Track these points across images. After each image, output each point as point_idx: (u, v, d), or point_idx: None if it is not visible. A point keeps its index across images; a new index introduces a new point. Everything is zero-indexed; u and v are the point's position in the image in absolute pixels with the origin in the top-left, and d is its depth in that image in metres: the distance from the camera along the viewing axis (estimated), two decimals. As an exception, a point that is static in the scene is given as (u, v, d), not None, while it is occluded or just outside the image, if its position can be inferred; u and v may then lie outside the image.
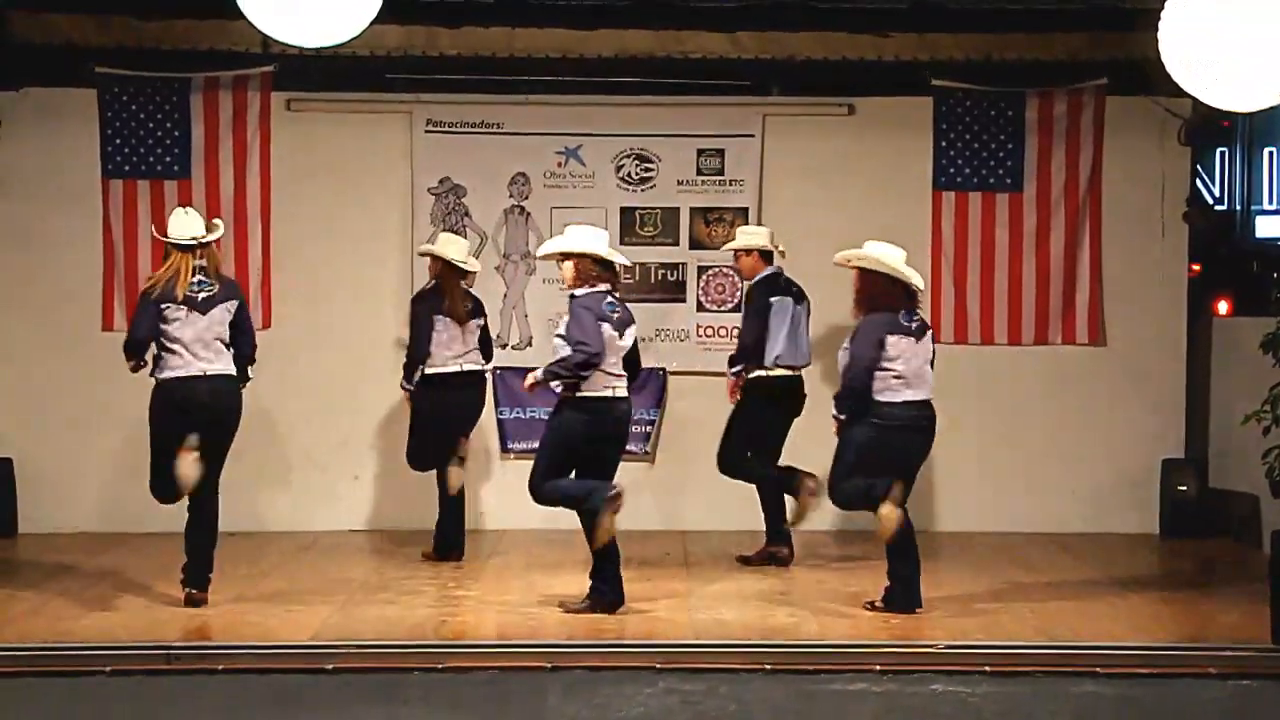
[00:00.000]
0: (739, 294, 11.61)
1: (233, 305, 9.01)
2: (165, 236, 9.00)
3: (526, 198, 11.89)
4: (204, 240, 8.95)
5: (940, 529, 11.58)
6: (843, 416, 8.86)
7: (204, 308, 8.89)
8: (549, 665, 7.56)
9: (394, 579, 9.80)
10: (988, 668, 7.58)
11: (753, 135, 11.87)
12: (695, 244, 11.90)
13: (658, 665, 7.55)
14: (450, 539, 10.41)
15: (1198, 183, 12.15)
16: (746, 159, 11.86)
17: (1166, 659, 7.73)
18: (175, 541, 10.63)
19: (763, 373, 10.33)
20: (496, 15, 11.38)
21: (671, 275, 11.93)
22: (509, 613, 8.80)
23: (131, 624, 8.46)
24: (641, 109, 11.88)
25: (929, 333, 9.02)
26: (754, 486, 10.40)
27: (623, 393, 8.89)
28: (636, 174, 11.89)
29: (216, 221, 9.22)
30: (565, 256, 8.90)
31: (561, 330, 8.80)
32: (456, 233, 11.39)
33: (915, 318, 8.94)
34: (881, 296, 8.88)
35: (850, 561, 10.43)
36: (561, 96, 11.83)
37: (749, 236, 10.64)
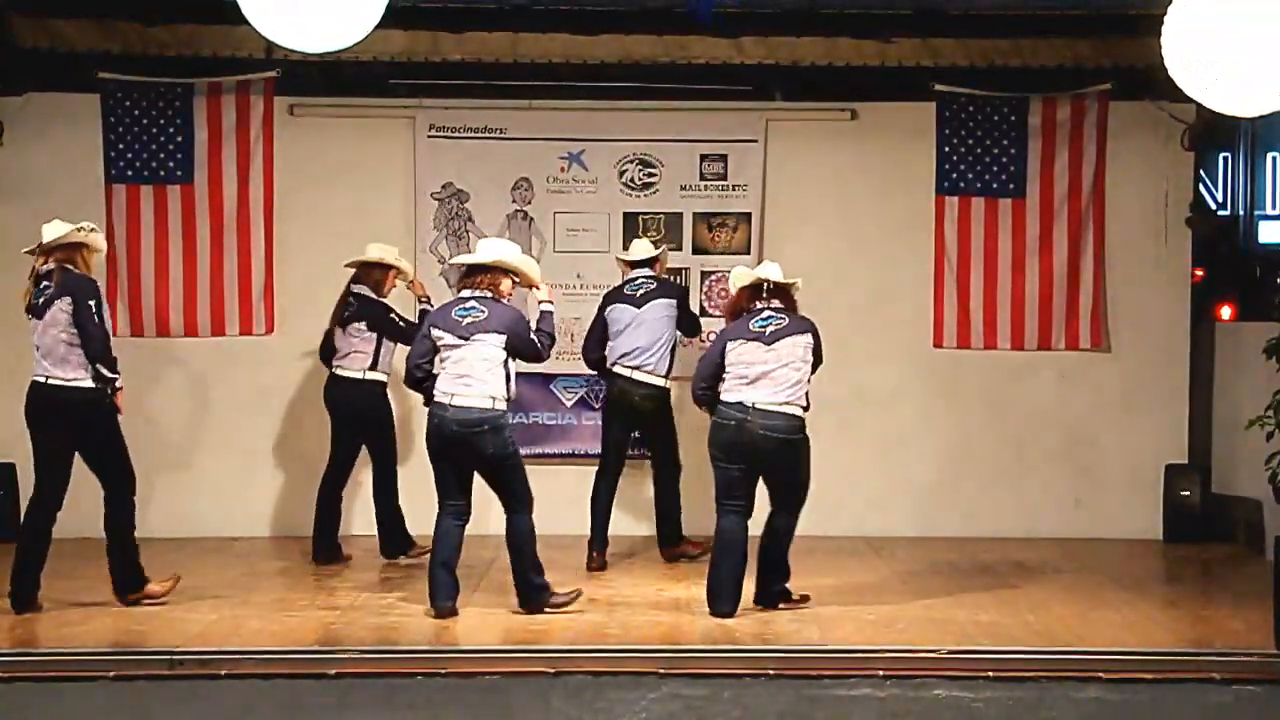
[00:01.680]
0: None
1: (66, 302, 8.45)
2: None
3: (530, 203, 11.88)
4: (52, 244, 8.60)
5: (942, 533, 11.56)
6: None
7: (40, 312, 8.58)
8: (552, 670, 7.56)
9: (397, 584, 9.80)
10: (990, 673, 7.59)
11: (756, 140, 11.86)
12: (698, 249, 11.89)
13: (660, 670, 7.55)
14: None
15: (1201, 188, 12.14)
16: (749, 164, 11.86)
17: (1169, 664, 7.73)
18: (177, 546, 10.63)
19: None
20: (500, 20, 11.40)
21: (675, 280, 11.90)
22: (511, 618, 8.79)
23: (134, 629, 8.46)
24: (645, 114, 11.88)
25: (801, 336, 8.74)
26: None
27: (464, 401, 8.65)
28: (639, 179, 11.88)
29: (82, 224, 8.74)
30: None
31: None
32: (458, 237, 11.39)
33: (774, 321, 8.77)
34: (736, 307, 8.97)
35: (852, 565, 10.41)
36: (565, 102, 11.84)
37: (629, 252, 10.73)
